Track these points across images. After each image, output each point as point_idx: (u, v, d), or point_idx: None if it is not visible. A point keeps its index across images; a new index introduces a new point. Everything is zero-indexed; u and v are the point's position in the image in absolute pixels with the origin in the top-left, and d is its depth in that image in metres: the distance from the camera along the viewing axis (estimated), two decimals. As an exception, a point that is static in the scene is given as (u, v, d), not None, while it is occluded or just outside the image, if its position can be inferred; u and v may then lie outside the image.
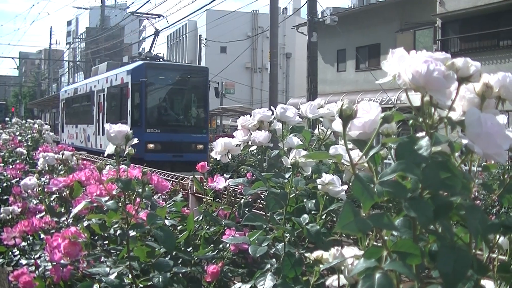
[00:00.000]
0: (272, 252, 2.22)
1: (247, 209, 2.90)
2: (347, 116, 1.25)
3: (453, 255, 1.11)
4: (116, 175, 2.25)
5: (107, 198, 2.31)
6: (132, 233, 2.25)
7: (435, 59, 1.18)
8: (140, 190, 2.28)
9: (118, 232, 2.45)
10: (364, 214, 1.12)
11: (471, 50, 25.30)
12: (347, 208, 1.12)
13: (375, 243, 1.47)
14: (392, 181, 1.13)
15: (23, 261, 3.19)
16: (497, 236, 1.47)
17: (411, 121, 1.25)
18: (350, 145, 1.31)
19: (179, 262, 2.52)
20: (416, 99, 1.25)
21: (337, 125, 1.29)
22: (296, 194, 2.28)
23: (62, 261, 2.37)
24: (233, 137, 2.90)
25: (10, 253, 3.56)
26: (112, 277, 2.22)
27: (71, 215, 2.55)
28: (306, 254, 1.82)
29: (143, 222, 2.25)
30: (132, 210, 2.29)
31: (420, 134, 1.23)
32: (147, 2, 74.88)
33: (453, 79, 1.20)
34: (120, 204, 2.30)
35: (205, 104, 22.85)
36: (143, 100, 21.27)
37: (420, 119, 1.22)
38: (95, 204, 2.52)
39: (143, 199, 2.33)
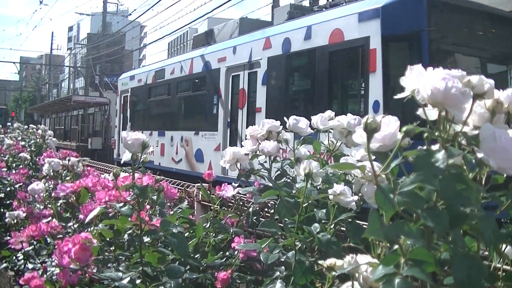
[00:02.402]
0: (282, 260, 2.26)
1: (255, 218, 2.94)
2: (371, 129, 1.30)
3: (467, 263, 1.17)
4: (132, 182, 2.30)
5: (121, 204, 2.36)
6: (146, 239, 2.29)
7: (452, 76, 1.23)
8: (155, 197, 2.32)
9: (128, 238, 2.50)
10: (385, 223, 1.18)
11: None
12: (374, 215, 1.18)
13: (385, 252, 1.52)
14: (411, 191, 1.18)
15: (30, 266, 3.21)
16: (503, 246, 1.51)
17: (426, 135, 1.30)
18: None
19: (187, 268, 2.56)
20: (431, 114, 1.30)
21: (358, 137, 1.34)
22: (308, 204, 2.32)
23: (71, 266, 2.41)
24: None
25: (14, 257, 3.59)
26: (125, 281, 2.26)
27: (87, 220, 2.59)
28: (320, 262, 1.87)
29: (156, 229, 2.29)
30: (145, 216, 2.33)
31: (434, 147, 1.28)
32: (148, 9, 75.17)
33: (469, 96, 1.26)
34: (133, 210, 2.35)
35: None
36: None
37: (436, 133, 1.27)
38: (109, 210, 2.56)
39: (157, 206, 2.37)
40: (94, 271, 2.48)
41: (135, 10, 65.63)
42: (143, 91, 20.96)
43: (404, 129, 1.28)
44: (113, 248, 2.70)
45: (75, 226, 3.26)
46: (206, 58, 16.14)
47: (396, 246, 1.21)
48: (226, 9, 67.11)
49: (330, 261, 1.64)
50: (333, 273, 1.63)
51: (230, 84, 14.76)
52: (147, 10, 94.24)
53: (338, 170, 2.44)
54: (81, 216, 2.97)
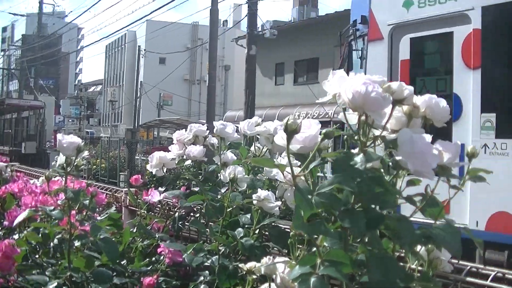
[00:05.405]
0: (207, 264, 2.26)
1: (180, 222, 2.93)
2: (292, 131, 1.31)
3: (383, 264, 1.20)
4: (64, 186, 2.27)
5: (52, 207, 2.33)
6: (76, 243, 2.26)
7: (373, 81, 1.25)
8: (86, 202, 2.31)
9: (56, 243, 2.45)
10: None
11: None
12: (298, 211, 1.20)
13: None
14: (328, 193, 1.20)
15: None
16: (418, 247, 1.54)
17: (345, 137, 1.32)
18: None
19: (113, 274, 2.52)
20: (352, 118, 1.32)
21: (279, 139, 1.36)
22: (232, 209, 2.33)
23: (-7, 274, 2.33)
24: (169, 150, 2.93)
25: None
26: (51, 287, 2.21)
27: (15, 223, 2.53)
28: (240, 265, 1.88)
29: (86, 233, 2.26)
30: (74, 221, 2.30)
31: (354, 151, 1.30)
32: (86, 11, 74.14)
33: (389, 101, 1.28)
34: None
35: None
36: None
37: (356, 137, 1.29)
38: (40, 214, 2.51)
39: (89, 211, 2.36)
40: (19, 279, 2.40)
41: (71, 11, 64.96)
42: None
43: (324, 131, 1.31)
44: (40, 254, 2.63)
45: (0, 233, 3.16)
46: None
47: (314, 249, 1.22)
48: (166, 12, 66.95)
49: (250, 264, 1.66)
50: (253, 276, 1.64)
51: None
52: (84, 12, 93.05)
53: (262, 176, 2.45)
54: (5, 223, 2.88)
